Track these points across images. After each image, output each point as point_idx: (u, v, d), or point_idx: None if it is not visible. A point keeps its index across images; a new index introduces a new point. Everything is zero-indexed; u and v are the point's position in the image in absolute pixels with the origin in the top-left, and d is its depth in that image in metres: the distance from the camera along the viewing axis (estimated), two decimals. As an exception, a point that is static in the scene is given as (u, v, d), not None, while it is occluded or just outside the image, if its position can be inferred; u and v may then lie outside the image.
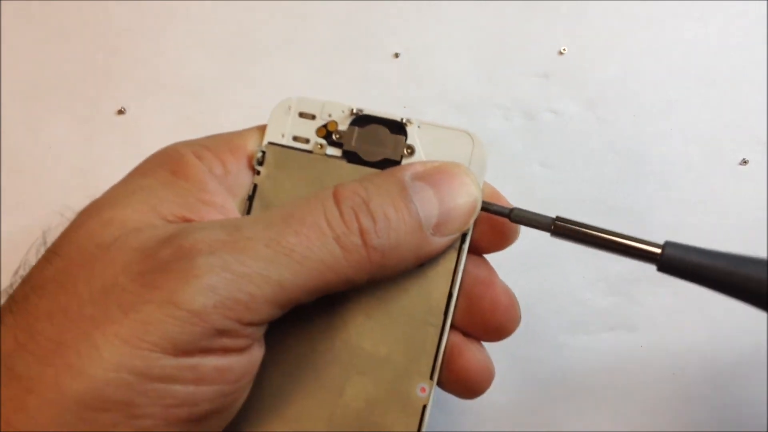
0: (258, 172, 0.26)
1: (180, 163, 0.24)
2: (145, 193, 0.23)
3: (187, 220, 0.23)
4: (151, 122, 0.38)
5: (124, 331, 0.20)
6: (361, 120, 0.25)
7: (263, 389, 0.24)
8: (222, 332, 0.20)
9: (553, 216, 0.25)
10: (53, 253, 0.22)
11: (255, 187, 0.25)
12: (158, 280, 0.20)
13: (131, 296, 0.20)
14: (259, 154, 0.25)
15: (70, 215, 0.23)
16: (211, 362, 0.21)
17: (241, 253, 0.21)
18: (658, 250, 0.24)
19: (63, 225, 0.23)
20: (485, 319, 0.26)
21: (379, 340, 0.24)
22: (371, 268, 0.22)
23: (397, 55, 0.38)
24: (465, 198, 0.24)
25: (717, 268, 0.23)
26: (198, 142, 0.26)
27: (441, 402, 0.35)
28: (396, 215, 0.23)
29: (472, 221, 0.24)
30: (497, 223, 0.26)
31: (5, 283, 0.23)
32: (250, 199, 0.25)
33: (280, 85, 0.38)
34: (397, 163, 0.25)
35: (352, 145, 0.25)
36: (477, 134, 0.25)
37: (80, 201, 0.23)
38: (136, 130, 0.38)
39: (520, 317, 0.27)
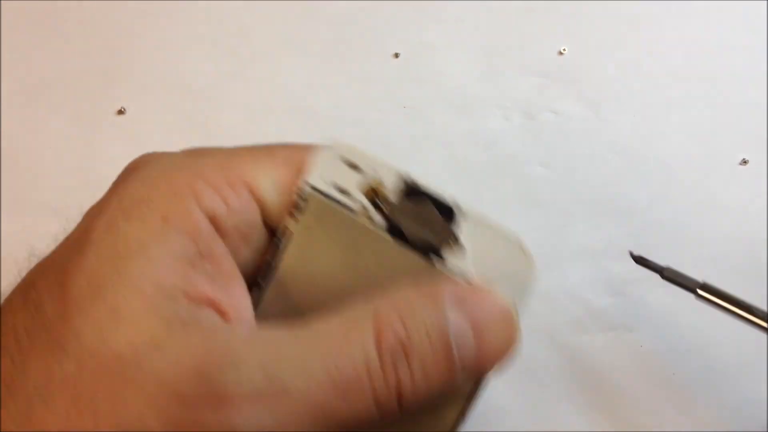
0: (295, 218, 0.22)
1: (171, 206, 0.21)
2: (142, 260, 0.20)
3: (188, 296, 0.20)
4: (151, 122, 0.38)
5: None
6: (410, 191, 0.22)
7: None
8: None
9: (701, 281, 0.27)
10: (60, 349, 0.19)
11: (288, 235, 0.22)
12: (191, 427, 0.18)
13: None
14: (302, 197, 0.22)
15: (38, 256, 0.21)
16: None
17: (281, 413, 0.19)
18: None
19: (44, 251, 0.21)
20: None
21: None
22: (397, 415, 0.20)
23: (397, 55, 0.38)
24: (505, 346, 0.21)
25: None
26: (189, 166, 0.22)
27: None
28: (432, 359, 0.20)
29: (503, 367, 0.22)
30: None
31: (5, 283, 0.22)
32: (278, 247, 0.22)
33: (280, 85, 0.38)
34: (438, 252, 0.22)
35: (400, 220, 0.22)
36: (525, 245, 0.22)
37: (80, 201, 0.23)
38: (136, 130, 0.38)
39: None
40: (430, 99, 0.37)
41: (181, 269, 0.20)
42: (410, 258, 0.22)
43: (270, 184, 0.22)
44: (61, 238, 0.22)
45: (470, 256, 0.22)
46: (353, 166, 0.22)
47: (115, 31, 0.39)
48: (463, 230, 0.22)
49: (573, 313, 0.35)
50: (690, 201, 0.36)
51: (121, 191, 0.21)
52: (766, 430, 0.34)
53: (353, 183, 0.22)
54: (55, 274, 0.20)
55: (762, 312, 0.25)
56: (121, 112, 0.38)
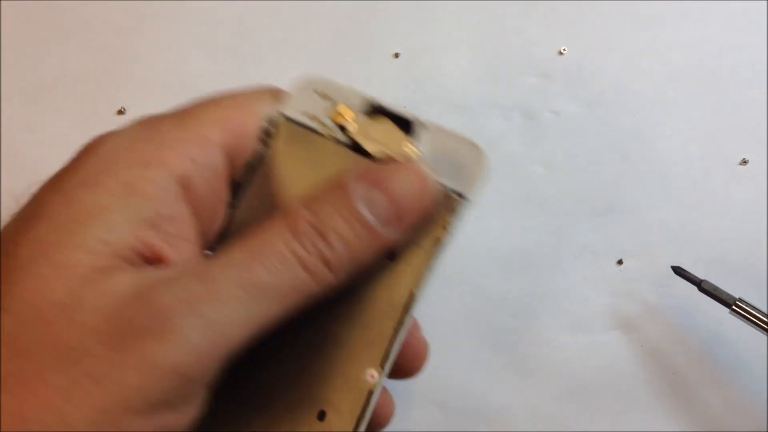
0: (266, 144, 0.25)
1: (135, 173, 0.22)
2: (96, 222, 0.21)
3: (143, 256, 0.21)
4: (151, 122, 0.38)
5: (100, 401, 0.19)
6: (374, 111, 0.25)
7: None
8: (201, 383, 0.20)
9: (737, 297, 0.29)
10: (1, 309, 0.19)
11: (259, 158, 0.25)
12: (135, 344, 0.19)
13: (104, 364, 0.19)
14: (269, 124, 0.25)
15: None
16: (173, 415, 0.20)
17: (218, 301, 0.20)
18: None
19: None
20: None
21: (341, 322, 0.25)
22: (339, 281, 0.22)
23: (397, 55, 0.38)
24: (412, 184, 0.24)
25: None
26: (150, 136, 0.23)
27: (440, 401, 0.35)
28: (347, 229, 0.22)
29: (429, 205, 0.24)
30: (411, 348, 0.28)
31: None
32: (251, 170, 0.25)
33: (280, 85, 0.38)
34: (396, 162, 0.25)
35: (359, 136, 0.25)
36: (479, 142, 0.25)
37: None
38: (136, 130, 0.38)
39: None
40: (430, 99, 0.37)
41: (137, 231, 0.21)
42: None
43: (227, 135, 0.24)
44: None
45: (426, 157, 0.25)
46: (324, 96, 0.25)
47: (115, 31, 0.39)
48: (422, 138, 0.25)
49: (573, 313, 0.35)
50: (690, 201, 0.36)
51: (78, 166, 0.23)
52: (766, 430, 0.34)
53: (321, 110, 0.25)
54: (4, 244, 0.21)
55: None
56: (121, 112, 0.38)
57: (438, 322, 0.35)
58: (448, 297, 0.36)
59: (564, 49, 0.37)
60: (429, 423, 0.35)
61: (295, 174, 0.25)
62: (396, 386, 0.35)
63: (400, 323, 0.25)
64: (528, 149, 0.37)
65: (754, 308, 0.29)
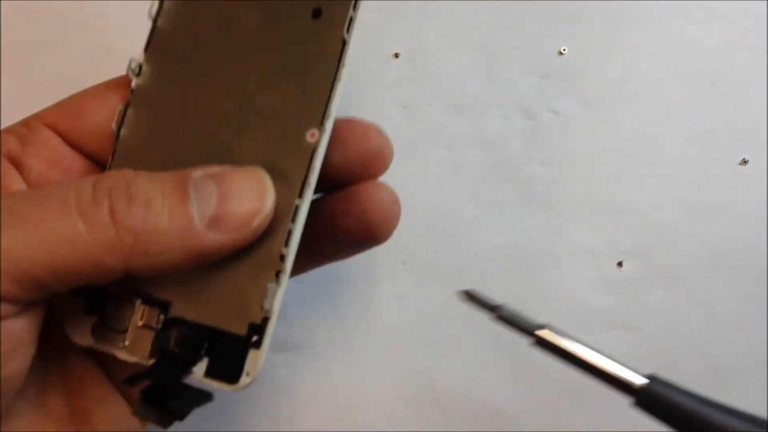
0: (119, 129, 0.26)
1: None
2: None
3: None
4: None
5: None
6: None
7: (146, 146, 0.25)
8: None
9: (542, 324, 0.24)
10: None
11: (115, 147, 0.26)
12: None
13: None
14: (136, 65, 0.27)
15: None
16: None
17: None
18: (638, 383, 0.23)
19: None
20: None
21: (271, 90, 0.25)
22: (123, 249, 0.21)
23: (397, 55, 0.38)
24: (250, 201, 0.23)
25: (696, 415, 0.22)
26: None
27: (440, 402, 0.35)
28: (161, 201, 0.21)
29: (256, 223, 0.23)
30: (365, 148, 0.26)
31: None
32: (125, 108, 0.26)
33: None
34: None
35: None
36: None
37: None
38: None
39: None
40: (430, 99, 0.37)
41: None
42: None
43: (66, 118, 0.26)
44: None
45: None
46: None
47: (115, 30, 0.39)
48: None
49: (573, 313, 0.35)
50: (690, 201, 0.36)
51: None
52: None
53: None
54: None
55: (604, 365, 0.24)
56: (121, 112, 0.38)
57: (438, 322, 0.35)
58: (448, 297, 0.36)
59: (564, 49, 0.37)
60: (429, 423, 0.35)
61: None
62: (396, 386, 0.35)
63: (335, 76, 0.24)
64: (528, 149, 0.37)
65: (558, 339, 0.25)
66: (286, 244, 0.24)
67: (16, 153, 0.25)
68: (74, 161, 0.27)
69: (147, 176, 0.22)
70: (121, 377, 0.25)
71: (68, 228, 0.20)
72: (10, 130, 0.26)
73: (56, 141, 0.26)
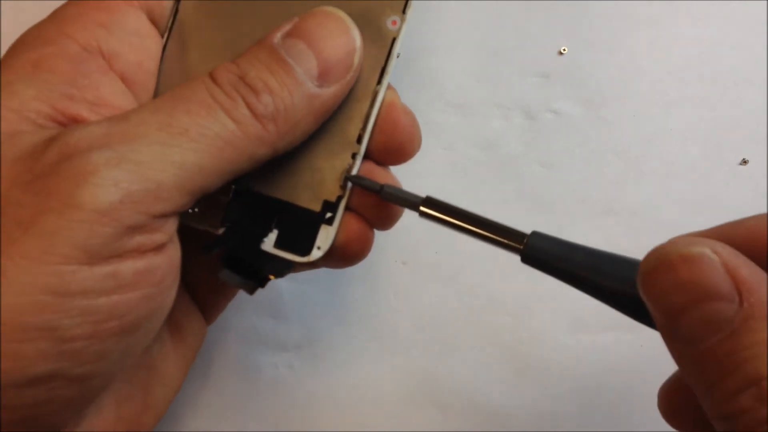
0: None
1: (42, 51, 0.22)
2: (3, 94, 0.21)
3: (59, 122, 0.21)
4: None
5: (29, 248, 0.18)
6: None
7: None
8: (134, 229, 0.19)
9: (423, 196, 0.25)
10: None
11: (175, 16, 0.25)
12: (53, 184, 0.18)
13: (28, 209, 0.18)
14: None
15: None
16: (130, 266, 0.19)
17: (134, 141, 0.19)
18: (520, 246, 0.24)
19: None
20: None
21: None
22: (270, 137, 0.22)
23: (397, 55, 0.38)
24: (339, 39, 0.23)
25: (579, 263, 0.23)
26: (64, 15, 0.23)
27: (440, 401, 0.35)
28: (275, 80, 0.22)
29: (356, 59, 0.24)
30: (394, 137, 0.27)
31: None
32: (171, 26, 0.25)
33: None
34: None
35: None
36: None
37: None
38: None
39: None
40: (430, 99, 0.37)
41: (52, 102, 0.21)
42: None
43: None
44: None
45: None
46: None
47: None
48: None
49: (573, 313, 0.35)
50: (690, 201, 0.36)
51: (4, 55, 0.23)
52: (766, 430, 0.34)
53: None
54: None
55: (489, 224, 0.24)
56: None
57: (438, 322, 0.35)
58: (448, 297, 0.36)
59: (564, 49, 0.37)
60: (429, 423, 0.35)
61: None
62: (396, 386, 0.35)
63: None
64: (528, 149, 0.37)
65: (443, 205, 0.25)
66: (364, 126, 0.25)
67: (103, 45, 0.23)
68: (155, 40, 0.25)
69: (246, 62, 0.22)
70: (199, 294, 0.27)
71: (225, 130, 0.21)
72: (82, 15, 0.23)
73: (146, 27, 0.25)
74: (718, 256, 0.19)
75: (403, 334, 0.35)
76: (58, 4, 0.39)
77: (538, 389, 0.35)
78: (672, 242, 0.20)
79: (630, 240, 0.36)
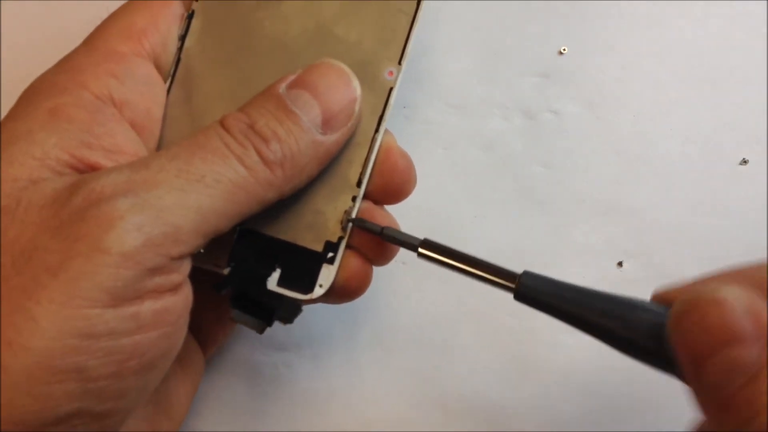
0: (183, 39, 0.26)
1: (58, 101, 0.23)
2: (25, 143, 0.22)
3: (77, 170, 0.22)
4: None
5: (58, 294, 0.19)
6: None
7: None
8: (154, 271, 0.20)
9: (421, 238, 0.27)
10: None
11: (179, 58, 0.26)
12: (80, 230, 0.19)
13: (56, 255, 0.19)
14: (184, 26, 0.26)
15: None
16: (149, 307, 0.20)
17: (155, 187, 0.20)
18: (513, 285, 0.25)
19: None
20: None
21: (351, 25, 0.26)
22: (278, 182, 0.23)
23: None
24: (341, 90, 0.25)
25: (569, 301, 0.24)
26: (77, 64, 0.25)
27: (440, 401, 0.35)
28: (282, 129, 0.23)
29: (357, 108, 0.25)
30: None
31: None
32: (174, 72, 0.26)
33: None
34: None
35: None
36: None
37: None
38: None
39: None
40: (430, 99, 0.37)
41: (71, 150, 0.22)
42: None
43: (141, 41, 0.26)
44: None
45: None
46: None
47: (115, 31, 0.39)
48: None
49: (573, 313, 0.35)
50: (690, 201, 0.36)
51: (15, 103, 0.24)
52: (766, 430, 0.34)
53: None
54: None
55: (483, 265, 0.26)
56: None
57: (438, 322, 0.35)
58: (448, 297, 0.36)
59: (564, 49, 0.37)
60: (429, 423, 0.35)
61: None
62: (396, 386, 0.35)
63: (413, 18, 0.27)
64: (528, 149, 0.37)
65: (440, 247, 0.27)
66: (363, 170, 0.26)
67: (115, 91, 0.24)
68: (162, 88, 0.26)
69: (255, 111, 0.23)
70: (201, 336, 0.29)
71: (237, 176, 0.22)
72: (91, 69, 0.25)
73: (154, 74, 0.26)
74: (742, 301, 0.19)
75: (403, 334, 0.35)
76: (58, 4, 0.39)
77: (538, 389, 0.35)
78: (702, 284, 0.20)
79: (630, 240, 0.36)
